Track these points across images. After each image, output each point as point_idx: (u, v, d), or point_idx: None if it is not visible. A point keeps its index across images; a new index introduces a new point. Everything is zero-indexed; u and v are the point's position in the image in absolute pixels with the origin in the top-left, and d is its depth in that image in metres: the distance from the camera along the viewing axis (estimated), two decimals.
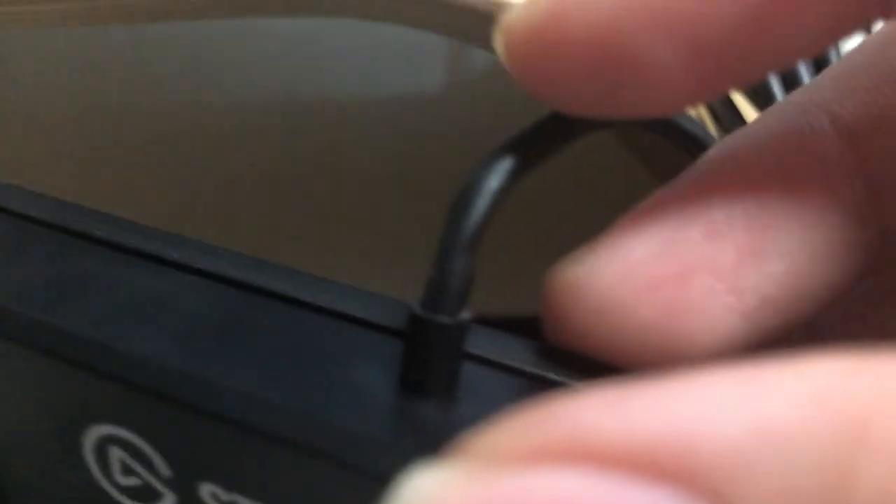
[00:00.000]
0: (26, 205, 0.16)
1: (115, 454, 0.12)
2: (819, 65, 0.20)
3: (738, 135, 0.13)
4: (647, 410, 0.07)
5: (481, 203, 0.12)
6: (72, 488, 0.13)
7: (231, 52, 0.29)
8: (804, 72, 0.20)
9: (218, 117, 0.29)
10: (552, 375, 0.12)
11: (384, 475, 0.11)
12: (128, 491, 0.12)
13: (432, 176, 0.28)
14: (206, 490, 0.12)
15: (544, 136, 0.12)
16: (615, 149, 0.22)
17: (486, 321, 0.13)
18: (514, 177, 0.12)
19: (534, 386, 0.12)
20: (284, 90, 0.29)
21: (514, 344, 0.13)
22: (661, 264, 0.11)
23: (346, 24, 0.26)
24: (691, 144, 0.14)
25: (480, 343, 0.12)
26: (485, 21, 0.21)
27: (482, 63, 0.29)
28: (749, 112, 0.20)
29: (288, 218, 0.30)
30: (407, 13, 0.23)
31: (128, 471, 0.12)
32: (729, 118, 0.20)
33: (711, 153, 0.12)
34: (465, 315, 0.12)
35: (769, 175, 0.12)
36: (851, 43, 0.13)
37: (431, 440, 0.11)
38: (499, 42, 0.11)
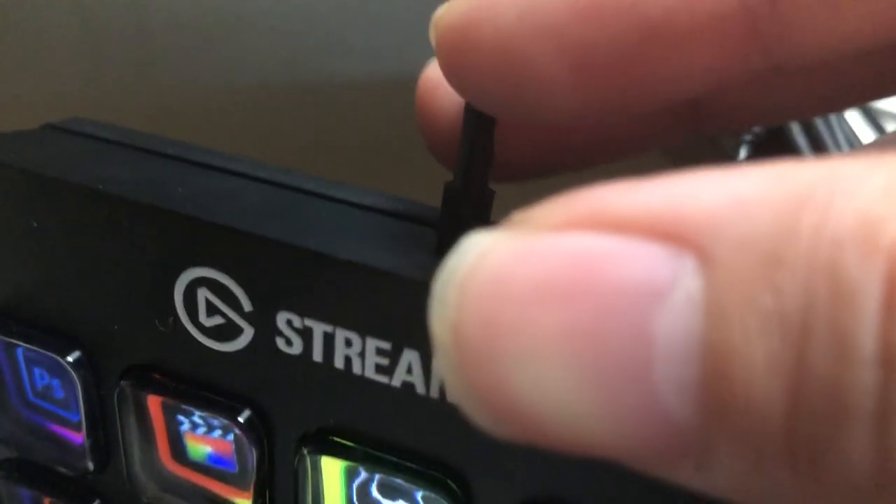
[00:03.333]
0: (102, 131, 0.18)
1: (202, 296, 0.15)
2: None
3: None
4: (648, 192, 0.09)
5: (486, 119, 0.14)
6: (159, 336, 0.15)
7: (234, 33, 0.30)
8: None
9: (220, 96, 0.30)
10: None
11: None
12: (211, 331, 0.15)
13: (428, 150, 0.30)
14: (283, 319, 0.14)
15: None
16: None
17: None
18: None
19: None
20: (285, 68, 0.31)
21: None
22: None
23: (346, 4, 0.28)
24: None
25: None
26: None
27: None
28: None
29: None
30: None
31: (212, 310, 0.15)
32: None
33: None
34: (491, 189, 0.15)
35: None
36: None
37: None
38: (431, 35, 0.13)
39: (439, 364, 0.09)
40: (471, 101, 0.14)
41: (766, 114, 0.17)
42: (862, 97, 0.16)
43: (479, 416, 0.09)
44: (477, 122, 0.14)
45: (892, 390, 0.07)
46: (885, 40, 0.12)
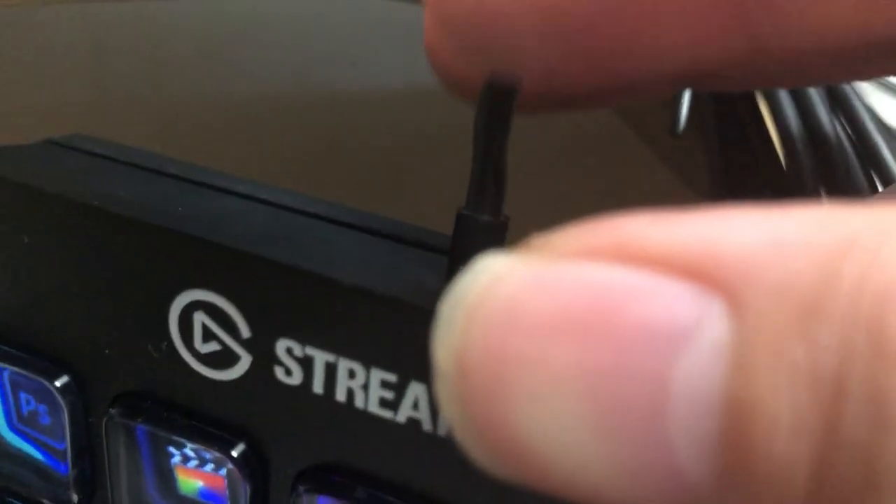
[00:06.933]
0: (103, 148, 0.18)
1: (199, 320, 0.14)
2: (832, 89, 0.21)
3: None
4: (679, 226, 0.08)
5: (501, 119, 0.13)
6: (151, 363, 0.14)
7: (241, 47, 0.30)
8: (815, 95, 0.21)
9: (227, 110, 0.30)
10: None
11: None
12: (206, 358, 0.14)
13: (438, 165, 0.29)
14: (283, 346, 0.13)
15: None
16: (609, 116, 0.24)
17: None
18: (516, 88, 0.13)
19: None
20: (292, 82, 0.30)
21: None
22: None
23: (353, 15, 0.27)
24: None
25: None
26: None
27: None
28: None
29: None
30: None
31: (209, 336, 0.14)
32: None
33: None
34: (504, 216, 0.14)
35: None
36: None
37: None
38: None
39: (438, 391, 0.09)
40: (453, 64, 0.13)
41: (762, 81, 0.16)
42: (867, 73, 0.15)
43: (477, 451, 0.09)
44: (489, 142, 0.13)
45: None
46: (879, 35, 0.11)
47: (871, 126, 0.18)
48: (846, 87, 0.18)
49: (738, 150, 0.19)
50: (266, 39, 0.29)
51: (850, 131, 0.18)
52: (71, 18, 0.28)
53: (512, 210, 0.14)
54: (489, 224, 0.13)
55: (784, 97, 0.19)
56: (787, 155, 0.18)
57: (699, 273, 0.08)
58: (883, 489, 0.07)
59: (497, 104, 0.12)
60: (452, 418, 0.09)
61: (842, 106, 0.18)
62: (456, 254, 0.14)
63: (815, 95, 0.18)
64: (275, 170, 0.27)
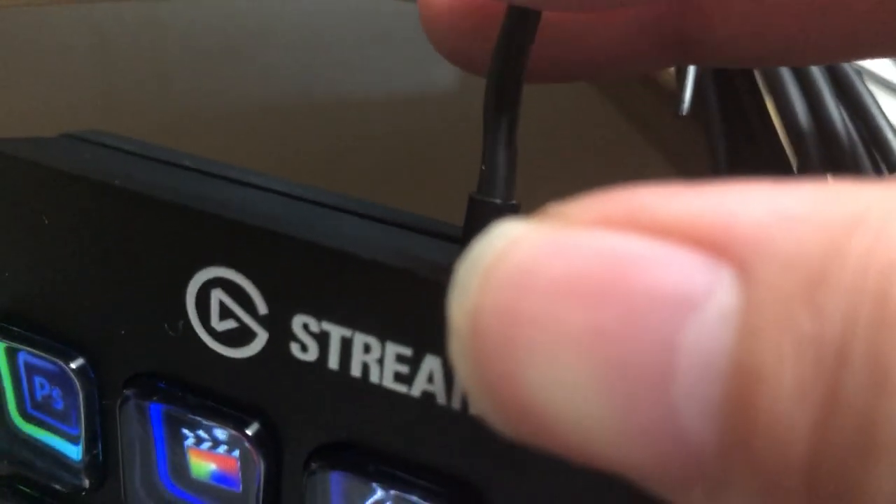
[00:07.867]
0: (118, 141, 0.18)
1: (216, 297, 0.14)
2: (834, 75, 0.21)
3: None
4: (692, 198, 0.09)
5: (510, 102, 0.14)
6: (167, 343, 0.15)
7: (248, 48, 0.30)
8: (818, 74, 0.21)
9: (233, 111, 0.30)
10: None
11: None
12: (222, 336, 0.14)
13: (445, 169, 0.30)
14: (299, 322, 0.13)
15: (517, 37, 0.14)
16: (598, 101, 0.24)
17: None
18: (522, 73, 0.14)
19: None
20: (299, 84, 0.31)
21: None
22: None
23: (362, 21, 0.28)
24: None
25: None
26: None
27: None
28: None
29: None
30: None
31: (225, 314, 0.14)
32: None
33: None
34: (514, 201, 0.14)
35: None
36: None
37: None
38: None
39: (452, 351, 0.09)
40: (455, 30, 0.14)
41: (756, 54, 0.17)
42: (863, 50, 0.16)
43: (488, 410, 0.09)
44: (498, 123, 0.13)
45: None
46: None
47: (880, 118, 0.18)
48: (855, 82, 0.19)
49: (742, 142, 0.20)
50: (274, 39, 0.29)
51: (860, 127, 0.18)
52: (78, 18, 0.28)
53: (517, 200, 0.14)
54: (501, 207, 0.14)
55: (791, 89, 0.19)
56: (795, 148, 0.18)
57: (710, 244, 0.08)
58: (881, 454, 0.07)
59: (518, 27, 0.13)
60: (465, 377, 0.09)
61: (849, 97, 0.18)
62: (468, 237, 0.14)
63: (821, 80, 0.18)
64: (282, 167, 0.27)
